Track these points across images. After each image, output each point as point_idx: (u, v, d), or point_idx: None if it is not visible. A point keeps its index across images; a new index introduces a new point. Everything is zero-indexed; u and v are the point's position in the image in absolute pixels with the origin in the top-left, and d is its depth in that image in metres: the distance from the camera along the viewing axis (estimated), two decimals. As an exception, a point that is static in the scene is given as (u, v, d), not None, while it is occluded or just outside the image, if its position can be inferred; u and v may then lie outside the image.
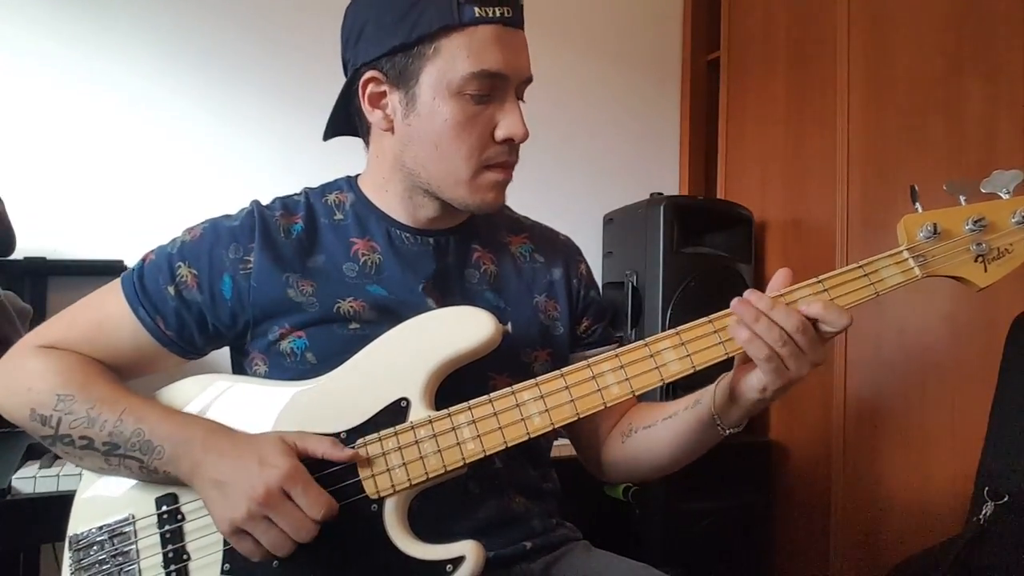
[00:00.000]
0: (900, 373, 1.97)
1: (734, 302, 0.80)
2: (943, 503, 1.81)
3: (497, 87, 0.87)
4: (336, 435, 0.81)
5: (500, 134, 0.88)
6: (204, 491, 0.78)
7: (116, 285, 0.91)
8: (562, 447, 1.10)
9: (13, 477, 1.25)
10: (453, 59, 0.85)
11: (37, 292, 1.75)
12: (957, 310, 1.85)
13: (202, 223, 0.94)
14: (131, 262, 1.80)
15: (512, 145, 0.89)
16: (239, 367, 0.96)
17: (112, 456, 0.81)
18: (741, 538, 2.12)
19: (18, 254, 1.63)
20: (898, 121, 2.01)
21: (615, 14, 2.59)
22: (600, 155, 2.53)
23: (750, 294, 0.79)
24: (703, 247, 2.21)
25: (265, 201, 0.97)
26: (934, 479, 1.86)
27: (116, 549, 0.82)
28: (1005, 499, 1.36)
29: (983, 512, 1.38)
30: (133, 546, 0.81)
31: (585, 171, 2.49)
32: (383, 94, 0.90)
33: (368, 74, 0.89)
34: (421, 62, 0.86)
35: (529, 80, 0.92)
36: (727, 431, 0.88)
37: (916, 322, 1.94)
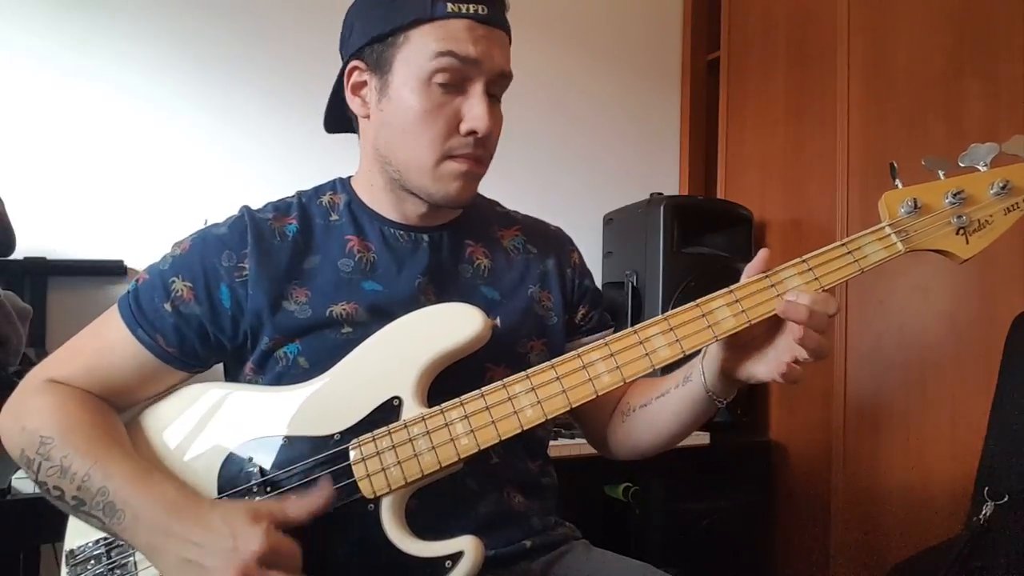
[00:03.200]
0: (900, 373, 1.97)
1: (781, 308, 0.80)
2: (943, 503, 1.81)
3: (466, 76, 0.87)
4: (330, 436, 0.81)
5: (464, 126, 0.88)
6: (169, 571, 0.74)
7: (114, 311, 0.91)
8: (562, 447, 1.11)
9: (13, 477, 1.24)
10: (423, 47, 0.87)
11: (37, 292, 1.75)
12: (957, 309, 1.85)
13: (190, 235, 0.94)
14: (131, 262, 1.84)
15: (477, 139, 0.89)
16: (234, 374, 0.95)
17: (80, 512, 0.80)
18: (741, 538, 2.12)
19: (18, 254, 1.63)
20: (898, 121, 2.01)
21: (615, 14, 2.59)
22: (600, 155, 2.53)
23: (787, 307, 0.79)
24: (703, 247, 2.21)
25: (256, 205, 0.97)
26: (934, 479, 1.86)
27: (113, 562, 0.81)
28: (1005, 499, 1.36)
29: (983, 512, 1.38)
30: (131, 558, 0.81)
31: (585, 171, 2.49)
32: (364, 83, 0.93)
33: (352, 63, 0.93)
34: (394, 50, 0.88)
35: (505, 76, 0.91)
36: (723, 403, 0.91)
37: (916, 322, 1.94)
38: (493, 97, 0.92)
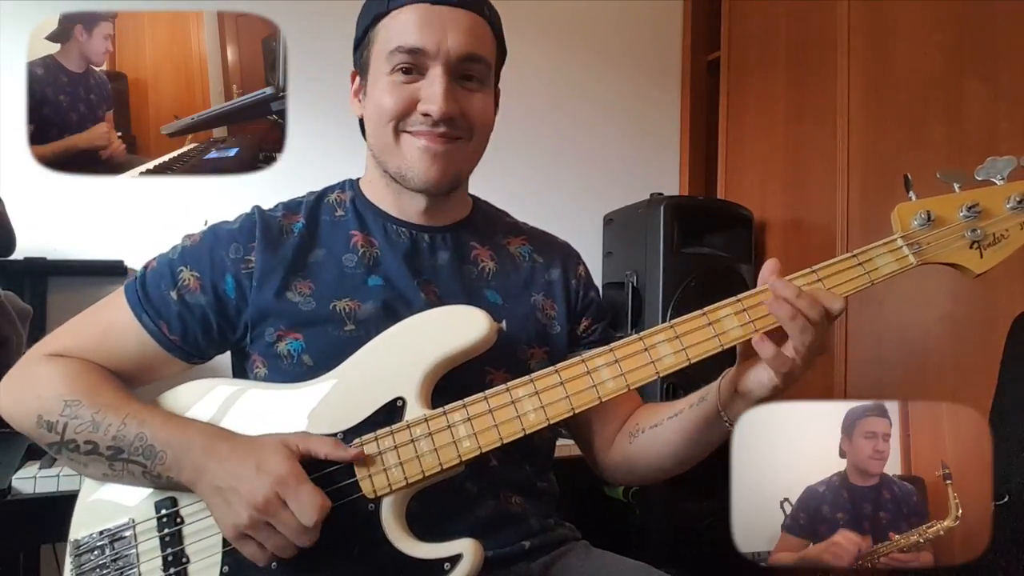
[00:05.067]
0: (900, 373, 1.97)
1: (769, 302, 0.79)
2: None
3: (420, 63, 0.90)
4: (333, 435, 0.81)
5: (420, 107, 0.90)
6: (207, 497, 0.79)
7: (119, 293, 0.92)
8: (562, 447, 1.10)
9: (13, 477, 1.25)
10: (382, 43, 0.92)
11: (37, 292, 1.75)
12: (957, 310, 1.85)
13: (202, 230, 0.96)
14: (131, 262, 1.84)
15: (434, 120, 0.90)
16: (239, 370, 0.96)
17: (116, 461, 0.82)
18: (741, 538, 2.12)
19: (18, 254, 1.63)
20: (898, 121, 2.01)
21: (615, 14, 2.59)
22: (600, 155, 2.53)
23: (776, 283, 0.79)
24: (703, 247, 2.21)
25: (267, 206, 0.99)
26: (934, 479, 1.85)
27: (117, 553, 0.82)
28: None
29: (983, 512, 1.38)
30: (133, 550, 0.82)
31: (585, 171, 2.49)
32: (360, 88, 0.98)
33: (352, 71, 0.99)
34: (367, 52, 0.94)
35: (470, 58, 0.91)
36: (734, 426, 0.86)
37: (916, 322, 1.94)
38: (469, 79, 0.92)
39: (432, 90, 0.89)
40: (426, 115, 0.89)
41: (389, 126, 0.91)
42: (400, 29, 0.89)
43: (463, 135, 0.92)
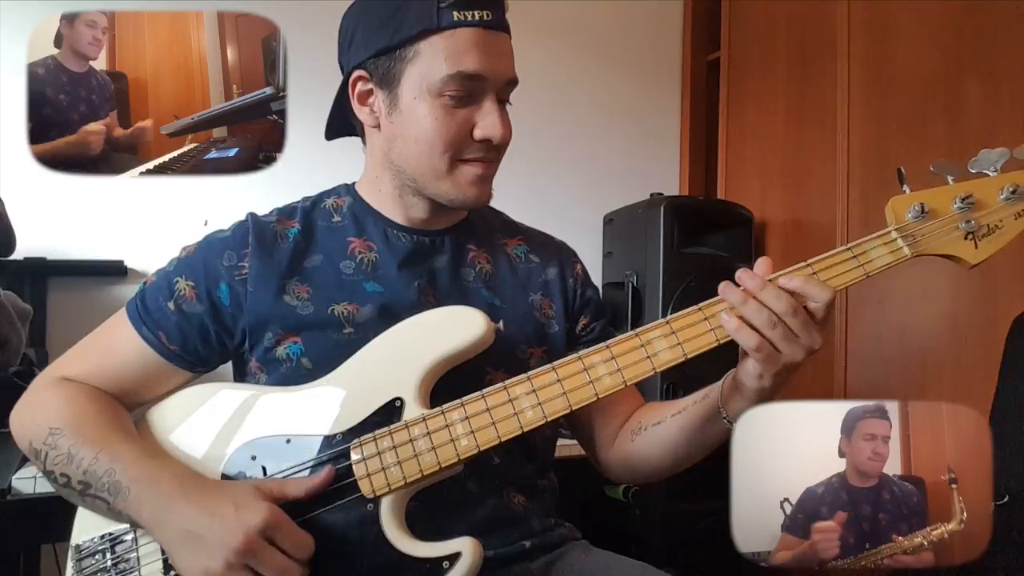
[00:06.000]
0: (900, 373, 1.97)
1: (722, 285, 0.80)
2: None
3: (476, 89, 0.88)
4: (332, 436, 0.82)
5: (478, 134, 0.89)
6: (171, 543, 0.77)
7: (122, 312, 0.94)
8: (563, 447, 1.10)
9: (13, 477, 1.25)
10: (432, 62, 0.86)
11: (37, 292, 1.75)
12: (957, 310, 1.85)
13: (197, 241, 0.96)
14: (131, 262, 1.84)
15: (490, 145, 0.90)
16: (240, 376, 0.97)
17: (86, 496, 0.82)
18: (741, 538, 2.12)
19: (18, 254, 1.64)
20: (898, 121, 2.01)
21: (615, 14, 2.59)
22: (600, 155, 2.53)
23: (741, 273, 0.80)
24: (703, 247, 2.21)
25: (262, 212, 0.99)
26: (934, 479, 1.85)
27: (118, 557, 0.83)
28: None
29: (983, 512, 1.38)
30: (134, 554, 0.83)
31: (585, 171, 2.49)
32: (370, 92, 0.93)
33: (356, 73, 0.93)
34: (402, 65, 0.88)
35: (513, 82, 0.92)
36: (733, 424, 0.86)
37: (916, 322, 1.94)
38: (502, 103, 0.92)
39: (492, 118, 0.88)
40: (484, 141, 0.89)
41: (445, 156, 0.89)
42: (459, 52, 0.86)
43: (498, 158, 0.93)
